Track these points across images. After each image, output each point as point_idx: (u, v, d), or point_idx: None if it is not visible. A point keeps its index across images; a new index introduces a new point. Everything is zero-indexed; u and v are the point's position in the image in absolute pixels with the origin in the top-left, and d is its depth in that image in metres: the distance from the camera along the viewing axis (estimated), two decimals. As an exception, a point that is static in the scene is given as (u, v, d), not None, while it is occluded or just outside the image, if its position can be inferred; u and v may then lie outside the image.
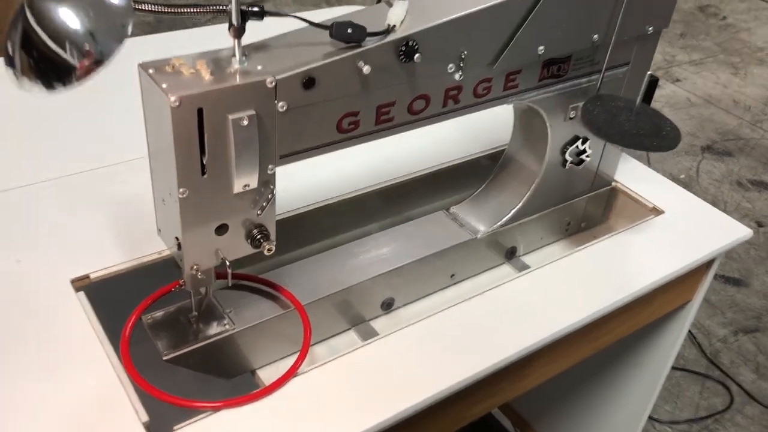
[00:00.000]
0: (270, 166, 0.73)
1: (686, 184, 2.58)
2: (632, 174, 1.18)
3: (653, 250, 1.03)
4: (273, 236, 0.77)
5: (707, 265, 1.11)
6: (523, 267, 1.08)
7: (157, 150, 0.70)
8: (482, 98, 0.86)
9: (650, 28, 0.97)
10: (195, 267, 0.74)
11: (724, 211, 1.28)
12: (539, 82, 0.91)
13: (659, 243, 1.05)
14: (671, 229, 1.08)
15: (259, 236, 0.76)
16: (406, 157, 1.16)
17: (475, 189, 1.08)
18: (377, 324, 0.97)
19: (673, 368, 1.84)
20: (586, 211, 1.14)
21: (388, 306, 0.97)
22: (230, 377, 0.86)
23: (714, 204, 1.12)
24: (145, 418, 0.71)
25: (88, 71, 0.60)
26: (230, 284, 0.76)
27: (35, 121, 1.20)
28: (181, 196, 0.68)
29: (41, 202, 1.00)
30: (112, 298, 0.88)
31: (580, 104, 0.97)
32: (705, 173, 2.66)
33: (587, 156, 1.04)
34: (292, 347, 0.89)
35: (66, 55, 0.59)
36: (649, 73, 1.05)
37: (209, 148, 0.67)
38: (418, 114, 0.81)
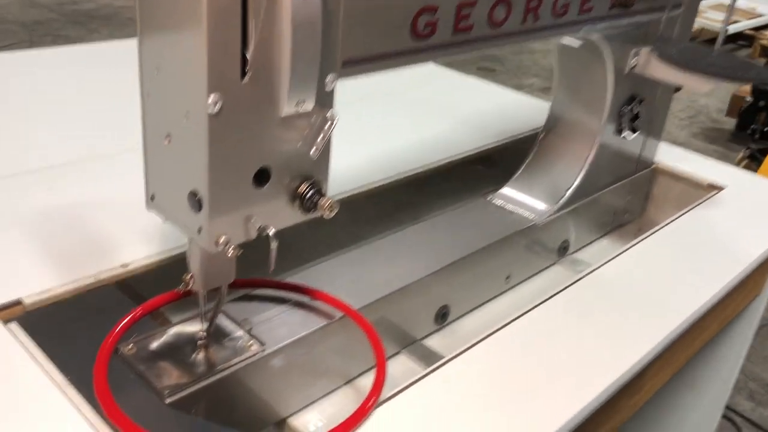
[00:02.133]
0: (330, 77, 0.48)
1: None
2: (670, 156, 1.01)
3: (735, 227, 0.85)
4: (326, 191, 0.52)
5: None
6: (580, 265, 0.86)
7: (165, 47, 0.44)
8: (560, 18, 0.66)
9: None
10: (223, 240, 0.47)
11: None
12: (609, 11, 0.72)
13: (736, 218, 0.87)
14: (738, 204, 0.90)
15: (310, 192, 0.50)
16: (413, 152, 0.94)
17: (506, 179, 0.87)
18: (432, 343, 0.71)
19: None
20: (629, 198, 0.95)
21: (442, 317, 0.72)
22: (256, 429, 0.57)
23: None
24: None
25: None
26: (272, 269, 0.49)
27: None
28: (211, 111, 0.42)
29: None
30: (60, 329, 0.59)
31: (642, 49, 0.80)
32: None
33: (639, 122, 0.86)
34: (336, 379, 0.62)
35: None
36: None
37: (255, 32, 0.42)
38: (498, 26, 0.60)
